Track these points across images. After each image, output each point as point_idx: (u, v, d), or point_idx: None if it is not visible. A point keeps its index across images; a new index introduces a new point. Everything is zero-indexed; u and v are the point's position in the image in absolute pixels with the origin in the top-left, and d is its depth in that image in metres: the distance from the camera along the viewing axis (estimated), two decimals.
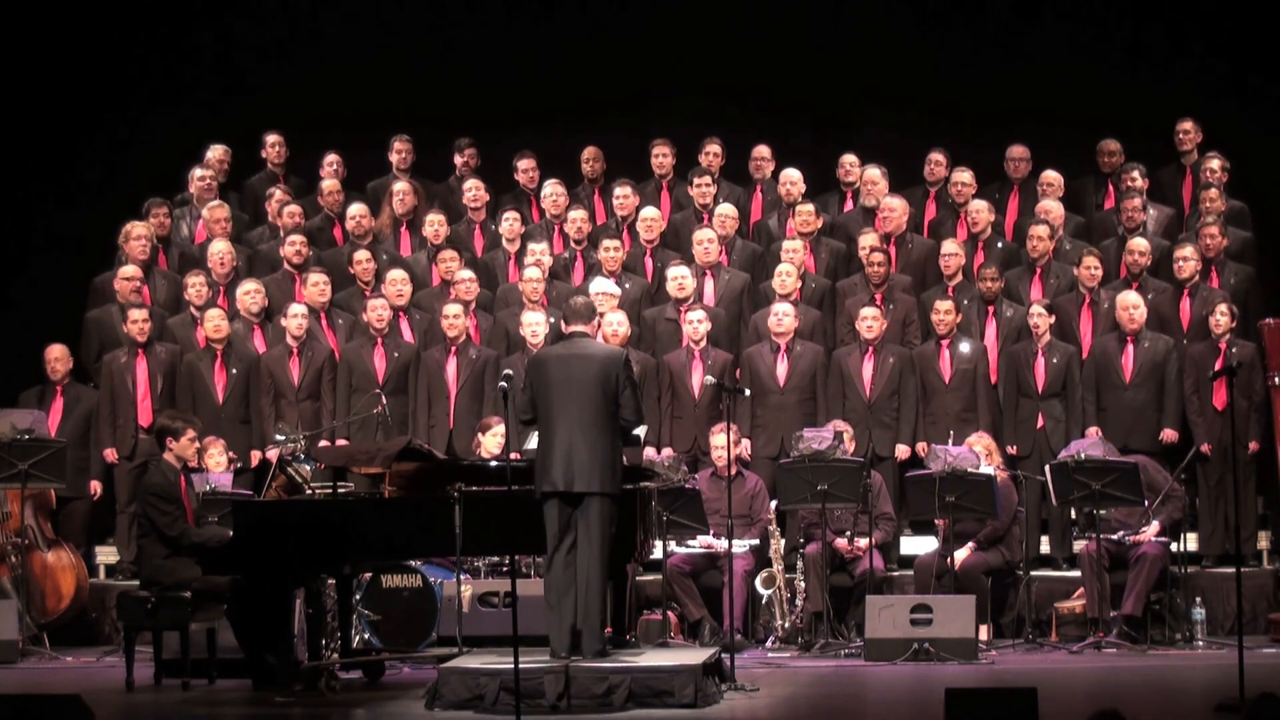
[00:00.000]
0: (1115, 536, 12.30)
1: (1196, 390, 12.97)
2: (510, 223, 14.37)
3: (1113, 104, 15.12)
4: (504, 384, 10.37)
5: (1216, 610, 12.59)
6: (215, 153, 15.19)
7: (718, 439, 12.66)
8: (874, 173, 14.43)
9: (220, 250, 14.19)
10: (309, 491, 11.32)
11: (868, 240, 13.89)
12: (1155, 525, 12.31)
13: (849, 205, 14.77)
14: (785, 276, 13.54)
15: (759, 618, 12.64)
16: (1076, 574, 12.58)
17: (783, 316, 13.29)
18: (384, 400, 12.91)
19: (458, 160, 15.19)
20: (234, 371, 13.58)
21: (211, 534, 11.38)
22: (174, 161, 15.29)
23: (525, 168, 14.99)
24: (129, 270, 14.00)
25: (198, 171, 15.04)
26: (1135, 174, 14.33)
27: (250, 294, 13.83)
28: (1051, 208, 14.10)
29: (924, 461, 12.79)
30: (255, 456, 13.46)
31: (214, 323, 13.54)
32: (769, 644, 12.40)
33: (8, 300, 15.28)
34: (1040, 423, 13.14)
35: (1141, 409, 13.02)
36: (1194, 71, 15.16)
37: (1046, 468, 12.35)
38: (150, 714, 10.51)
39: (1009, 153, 14.68)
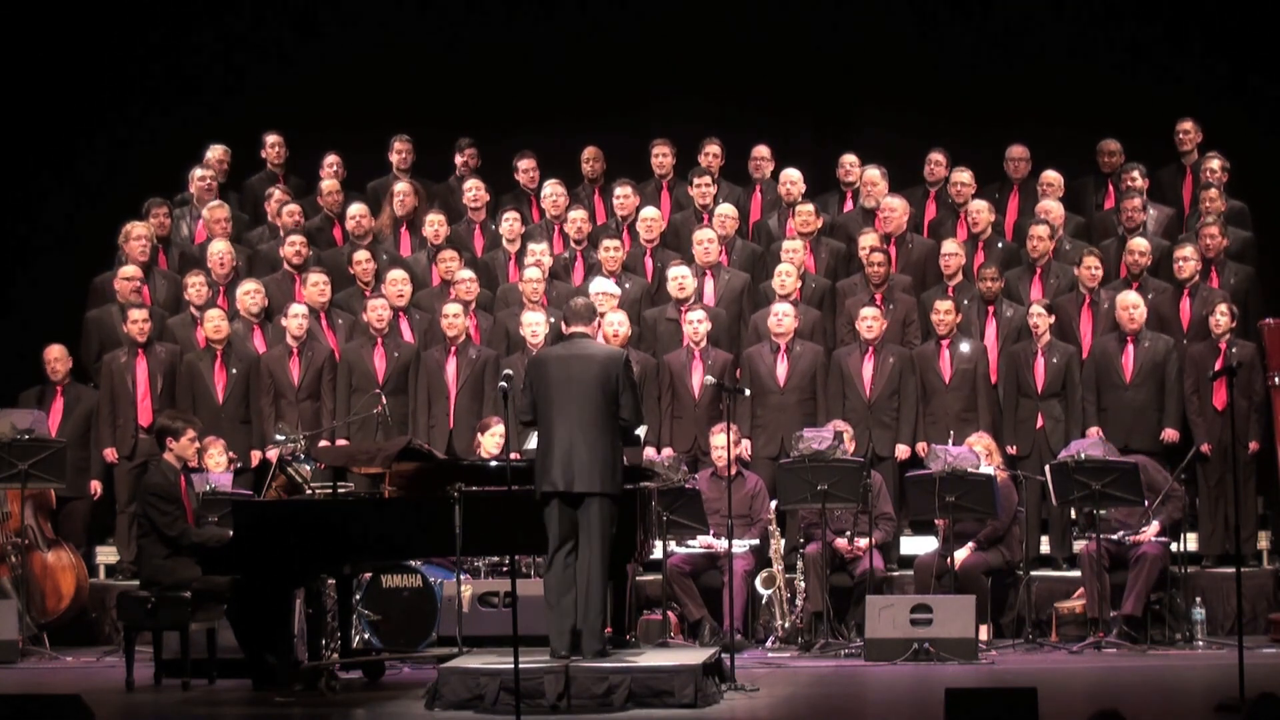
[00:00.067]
0: (1115, 536, 12.30)
1: (1196, 390, 12.97)
2: (510, 223, 14.37)
3: (1113, 104, 15.12)
4: (504, 384, 10.37)
5: (1216, 610, 12.59)
6: (215, 153, 15.20)
7: (718, 439, 12.66)
8: (874, 173, 14.43)
9: (220, 250, 14.20)
10: (309, 491, 11.32)
11: (868, 240, 13.89)
12: (1155, 525, 12.31)
13: (849, 205, 14.77)
14: (785, 276, 13.54)
15: (759, 618, 12.64)
16: (1076, 574, 12.58)
17: (783, 317, 13.29)
18: (384, 400, 12.91)
19: (458, 160, 15.20)
20: (234, 371, 13.58)
21: (211, 534, 11.38)
22: (174, 161, 15.29)
23: (525, 168, 14.99)
24: (129, 270, 14.00)
25: (198, 171, 15.04)
26: (1135, 174, 14.33)
27: (250, 294, 13.83)
28: (1051, 208, 14.10)
29: (924, 461, 12.79)
30: (255, 456, 13.46)
31: (214, 323, 13.54)
32: (769, 644, 12.40)
33: (8, 300, 15.29)
34: (1040, 423, 13.14)
35: (1141, 409, 13.02)
36: (1194, 71, 15.16)
37: (1046, 468, 12.35)
38: (150, 714, 10.51)
39: (1009, 153, 14.68)
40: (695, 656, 10.37)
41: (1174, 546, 12.38)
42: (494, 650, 10.77)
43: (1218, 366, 12.55)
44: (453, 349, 13.50)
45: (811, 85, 15.63)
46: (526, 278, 13.68)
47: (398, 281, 13.78)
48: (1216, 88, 15.03)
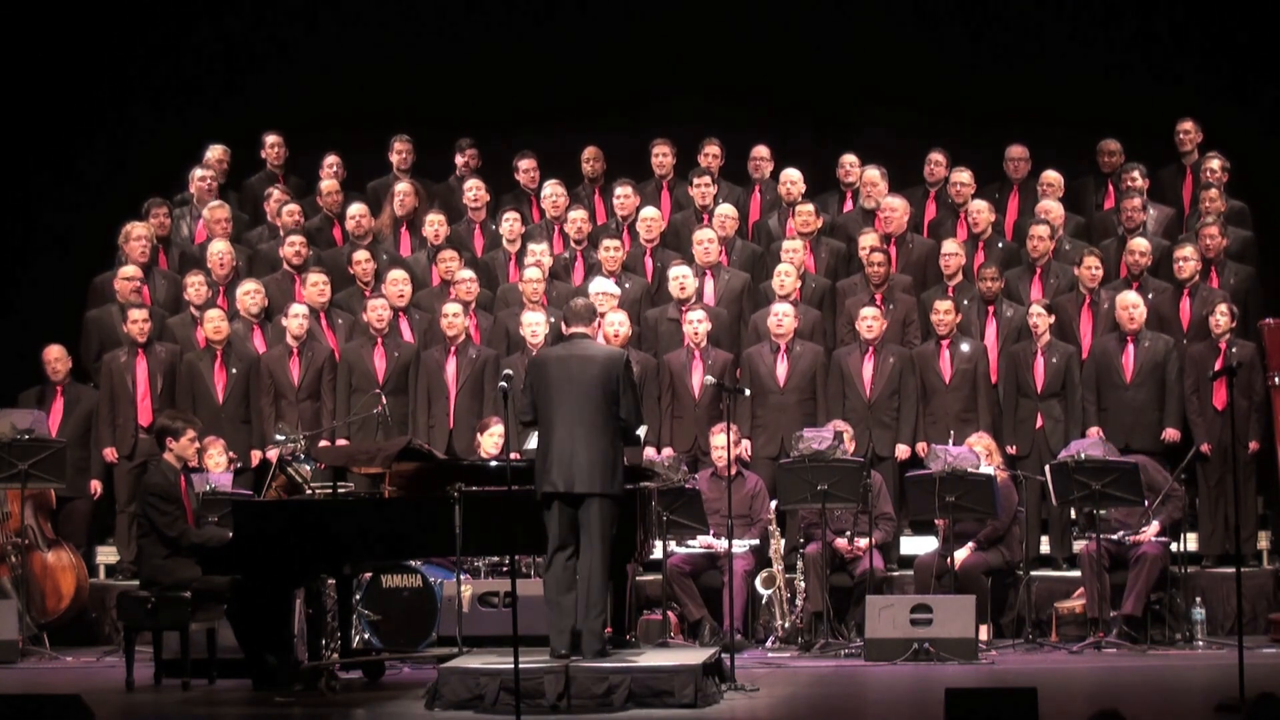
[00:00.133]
0: (1115, 536, 12.30)
1: (1196, 390, 12.97)
2: (510, 223, 14.37)
3: (1113, 104, 15.12)
4: (504, 384, 10.37)
5: (1216, 610, 12.59)
6: (215, 153, 15.19)
7: (718, 439, 12.66)
8: (873, 174, 14.42)
9: (220, 250, 14.20)
10: (309, 491, 11.32)
11: (868, 240, 13.89)
12: (1155, 525, 12.31)
13: (849, 205, 14.77)
14: (784, 276, 13.54)
15: (759, 618, 12.64)
16: (1076, 574, 12.58)
17: (782, 317, 13.28)
18: (384, 400, 12.92)
19: (458, 160, 15.20)
20: (234, 371, 13.58)
21: (211, 534, 11.38)
22: (174, 161, 15.29)
23: (526, 168, 14.99)
24: (129, 270, 14.00)
25: (198, 171, 15.04)
26: (1135, 174, 14.33)
27: (250, 294, 13.83)
28: (1051, 208, 14.10)
29: (924, 461, 12.79)
30: (255, 456, 13.46)
31: (214, 323, 13.54)
32: (769, 644, 12.40)
33: (8, 300, 15.29)
34: (1040, 423, 13.14)
35: (1142, 409, 13.02)
36: (1194, 71, 15.16)
37: (1046, 468, 12.35)
38: (150, 714, 10.51)
39: (1008, 153, 14.68)
40: (695, 656, 10.37)
41: (1174, 546, 12.38)
42: (494, 650, 10.77)
43: (1218, 366, 12.55)
44: (452, 349, 13.50)
45: (811, 85, 15.63)
46: (526, 278, 13.68)
47: (398, 281, 13.78)
48: (1216, 88, 15.03)
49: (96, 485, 13.62)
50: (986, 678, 11.06)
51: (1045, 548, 13.24)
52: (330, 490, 11.23)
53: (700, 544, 12.63)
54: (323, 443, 12.83)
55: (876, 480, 12.65)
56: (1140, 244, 13.50)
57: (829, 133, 15.65)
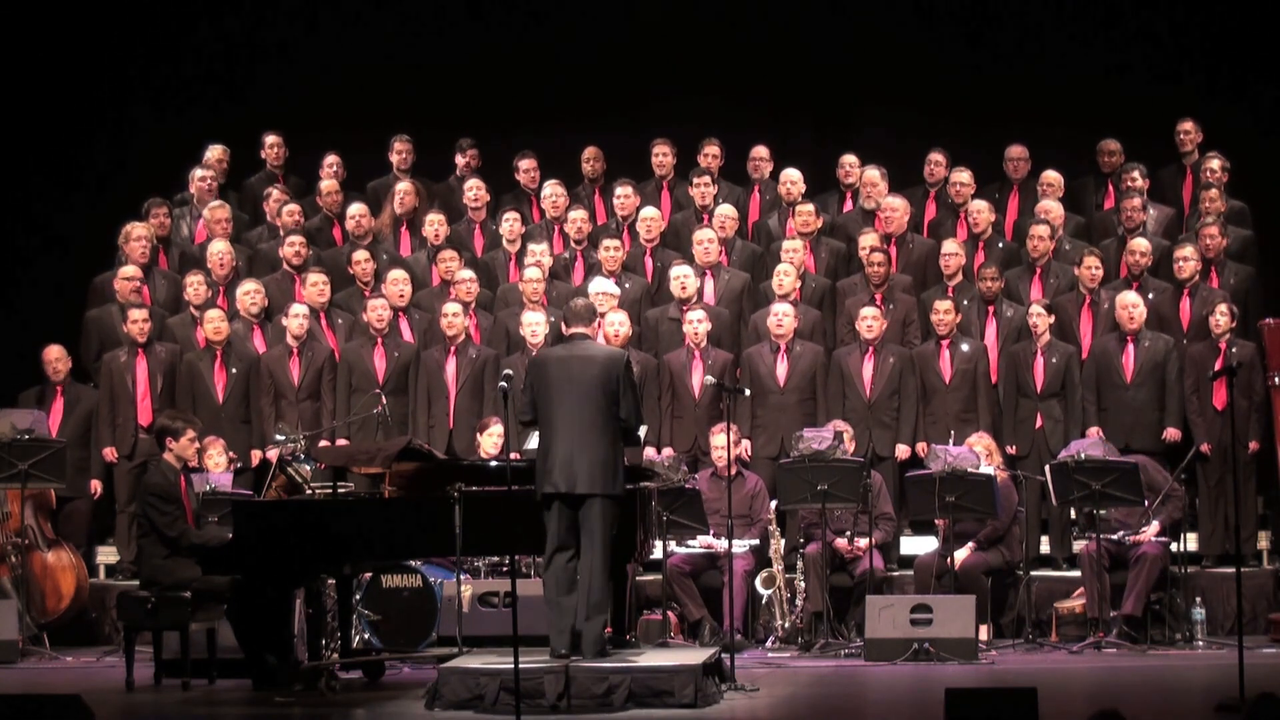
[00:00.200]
0: (1115, 536, 12.30)
1: (1196, 390, 12.97)
2: (510, 223, 14.37)
3: (1113, 104, 15.12)
4: (504, 384, 10.38)
5: (1216, 610, 12.59)
6: (214, 153, 15.19)
7: (718, 439, 12.66)
8: (873, 174, 14.42)
9: (220, 250, 14.20)
10: (309, 491, 11.32)
11: (868, 240, 13.89)
12: (1155, 525, 12.31)
13: (849, 205, 14.77)
14: (784, 276, 13.54)
15: (759, 618, 12.64)
16: (1076, 574, 12.58)
17: (782, 317, 13.28)
18: (384, 400, 12.92)
19: (459, 160, 15.20)
20: (234, 371, 13.58)
21: (211, 534, 11.39)
22: (174, 161, 15.30)
23: (526, 168, 14.99)
24: (129, 270, 14.01)
25: (198, 171, 15.04)
26: (1135, 174, 14.33)
27: (250, 294, 13.83)
28: (1051, 208, 14.10)
29: (924, 461, 12.79)
30: (255, 456, 13.46)
31: (214, 324, 13.54)
32: (769, 644, 12.40)
33: (8, 300, 15.29)
34: (1039, 423, 13.14)
35: (1142, 409, 13.02)
36: (1194, 71, 15.16)
37: (1046, 468, 12.35)
38: (150, 714, 10.50)
39: (1008, 153, 14.68)
40: (695, 656, 10.37)
41: (1174, 546, 12.38)
42: (494, 650, 10.77)
43: (1218, 366, 12.55)
44: (452, 349, 13.50)
45: (811, 85, 15.63)
46: (526, 278, 13.69)
47: (398, 281, 13.78)
48: (1216, 88, 15.03)
49: (97, 485, 13.62)
50: (986, 678, 11.06)
51: (1045, 548, 13.24)
52: (330, 490, 11.23)
53: (700, 544, 12.63)
54: (323, 443, 12.83)
55: (876, 480, 12.65)
56: (1140, 244, 13.50)
57: (829, 133, 15.65)
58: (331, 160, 15.10)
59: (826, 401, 13.29)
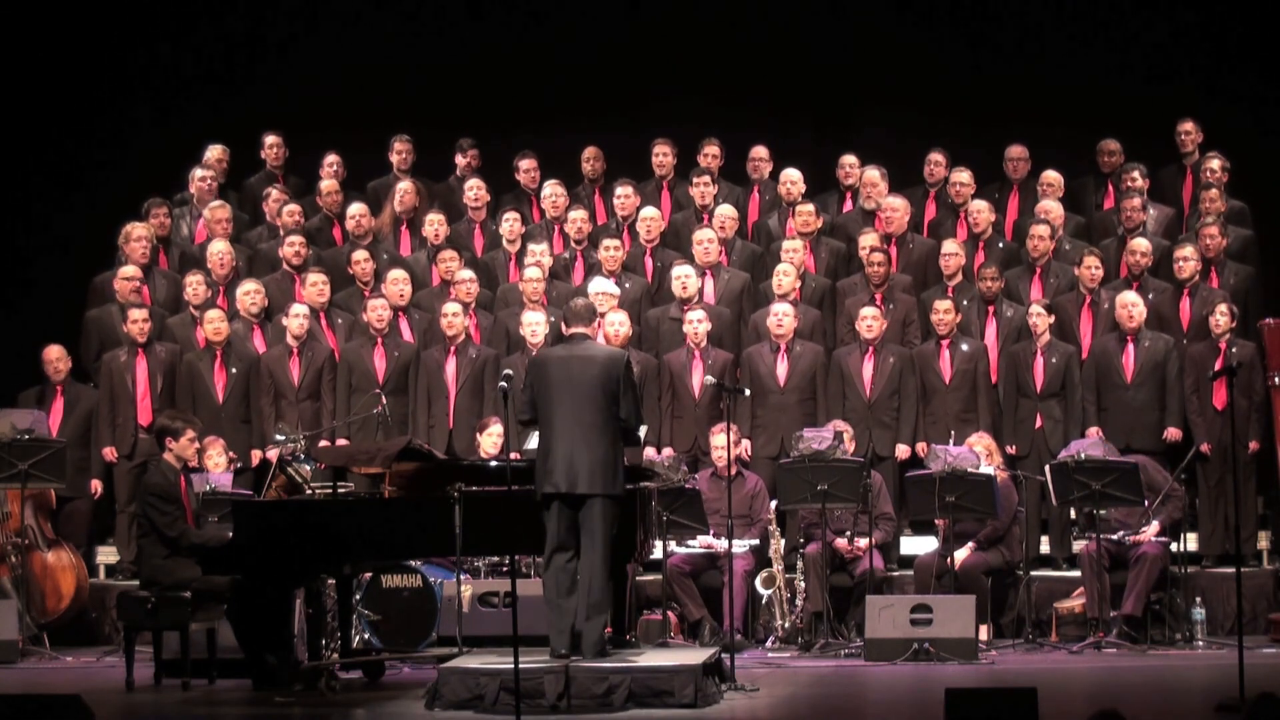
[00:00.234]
0: (1115, 536, 12.30)
1: (1196, 390, 12.97)
2: (510, 223, 14.37)
3: (1113, 104, 15.12)
4: (504, 384, 10.38)
5: (1216, 610, 12.59)
6: (214, 153, 15.19)
7: (718, 439, 12.66)
8: (873, 174, 14.42)
9: (220, 250, 14.20)
10: (309, 491, 11.32)
11: (868, 240, 13.89)
12: (1155, 525, 12.31)
13: (848, 205, 14.77)
14: (784, 276, 13.54)
15: (759, 618, 12.64)
16: (1076, 574, 12.58)
17: (782, 317, 13.28)
18: (384, 400, 12.92)
19: (459, 161, 15.19)
20: (234, 371, 13.58)
21: (211, 534, 11.38)
22: (174, 161, 15.29)
23: (526, 168, 14.99)
24: (129, 270, 14.01)
25: (198, 172, 15.04)
26: (1135, 174, 14.33)
27: (250, 294, 13.83)
28: (1051, 208, 14.10)
29: (924, 461, 12.79)
30: (255, 456, 13.46)
31: (214, 325, 13.53)
32: (769, 644, 12.40)
33: (8, 300, 15.28)
34: (1039, 423, 13.13)
35: (1142, 409, 13.02)
36: (1194, 71, 15.16)
37: (1046, 468, 12.35)
38: (150, 714, 10.50)
39: (1008, 153, 14.68)
40: (695, 656, 10.37)
41: (1174, 546, 12.38)
42: (494, 650, 10.77)
43: (1218, 366, 12.55)
44: (452, 349, 13.50)
45: (811, 85, 15.63)
46: (527, 278, 13.68)
47: (398, 281, 13.78)
48: (1216, 88, 15.03)
49: (97, 485, 13.62)
50: (986, 678, 11.06)
51: (1045, 548, 13.24)
52: (330, 490, 11.22)
53: (700, 544, 12.63)
54: (323, 443, 12.83)
55: (876, 480, 12.65)
56: (1140, 244, 13.50)
57: (829, 133, 15.65)
58: (331, 160, 15.10)
59: (826, 401, 13.29)
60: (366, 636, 11.74)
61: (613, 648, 10.45)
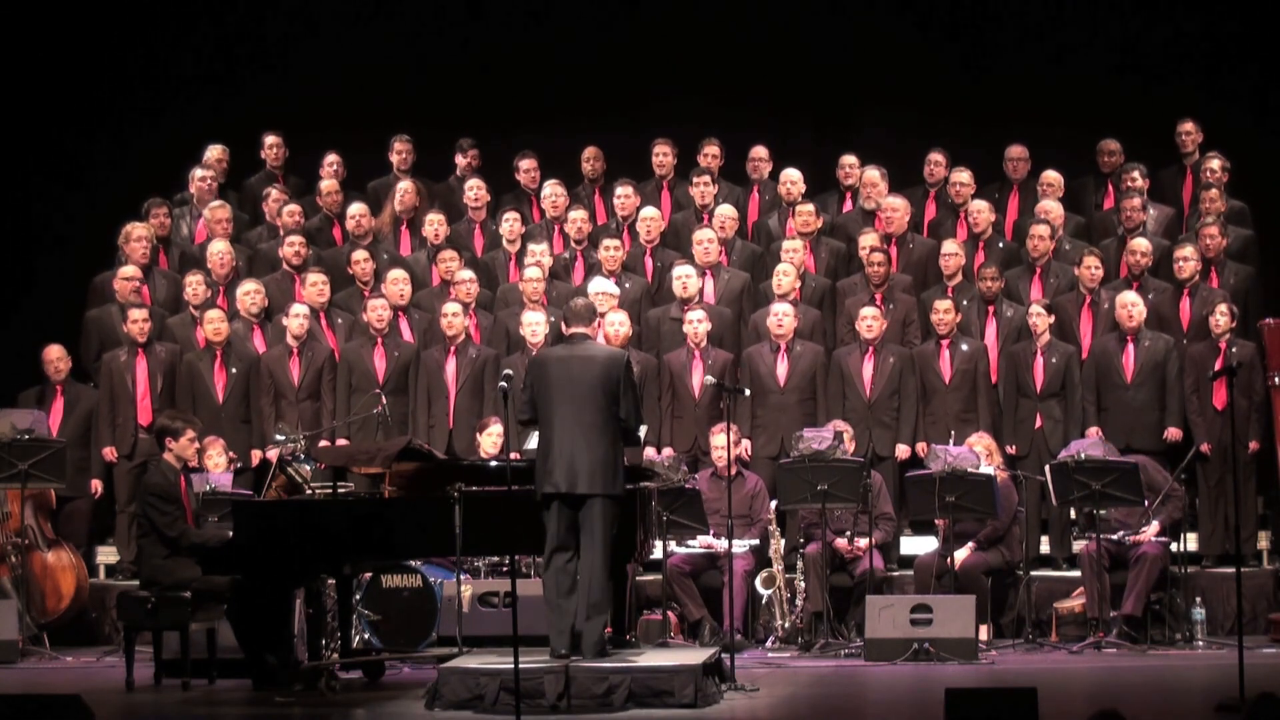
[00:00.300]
0: (1115, 536, 12.30)
1: (1196, 390, 12.97)
2: (510, 223, 14.37)
3: (1113, 104, 15.12)
4: (504, 384, 10.38)
5: (1216, 610, 12.59)
6: (214, 153, 15.19)
7: (718, 439, 12.66)
8: (873, 174, 14.42)
9: (220, 250, 14.20)
10: (309, 491, 11.32)
11: (868, 240, 13.89)
12: (1155, 525, 12.31)
13: (848, 205, 14.77)
14: (783, 276, 13.54)
15: (759, 618, 12.64)
16: (1076, 574, 12.58)
17: (782, 317, 13.28)
18: (384, 400, 12.92)
19: (460, 161, 15.19)
20: (234, 371, 13.58)
21: (211, 534, 11.38)
22: (174, 161, 15.29)
23: (527, 168, 14.99)
24: (128, 270, 14.01)
25: (198, 172, 15.04)
26: (1135, 174, 14.33)
27: (250, 294, 13.83)
28: (1051, 208, 14.10)
29: (924, 461, 12.79)
30: (255, 456, 13.46)
31: (214, 324, 13.53)
32: (769, 644, 12.40)
33: (8, 300, 15.28)
34: (1039, 423, 13.13)
35: (1142, 409, 13.02)
36: (1194, 71, 15.16)
37: (1046, 468, 12.35)
38: (150, 714, 10.51)
39: (1008, 153, 14.68)
40: (695, 656, 10.37)
41: (1174, 546, 12.38)
42: (494, 650, 10.77)
43: (1218, 366, 12.55)
44: (452, 349, 13.50)
45: (811, 85, 15.63)
46: (527, 277, 13.68)
47: (398, 281, 13.78)
48: (1216, 88, 15.03)
49: (98, 485, 13.62)
50: (986, 678, 11.06)
51: (1045, 548, 13.24)
52: (330, 490, 11.22)
53: (700, 544, 12.63)
54: (323, 443, 12.83)
55: (876, 480, 12.65)
56: (1141, 244, 13.50)
57: (829, 133, 15.65)
58: (332, 160, 15.10)
59: (826, 401, 13.29)
60: (366, 636, 11.74)
61: (613, 648, 10.45)
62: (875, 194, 14.36)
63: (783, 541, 12.68)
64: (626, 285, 13.86)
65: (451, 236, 14.46)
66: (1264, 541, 13.33)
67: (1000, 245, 14.16)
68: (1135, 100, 15.09)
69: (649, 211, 14.33)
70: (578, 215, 14.38)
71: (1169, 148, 14.60)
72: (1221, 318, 12.95)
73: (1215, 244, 13.54)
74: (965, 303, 13.53)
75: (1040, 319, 13.14)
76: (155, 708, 10.63)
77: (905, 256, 14.15)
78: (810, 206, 14.26)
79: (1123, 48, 15.46)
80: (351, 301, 14.11)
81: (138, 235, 14.22)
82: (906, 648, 11.68)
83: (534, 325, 13.24)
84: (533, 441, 11.03)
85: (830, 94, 15.66)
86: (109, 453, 13.58)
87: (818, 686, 11.09)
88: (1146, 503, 12.19)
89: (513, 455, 12.05)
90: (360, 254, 14.14)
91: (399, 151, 15.08)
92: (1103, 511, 12.24)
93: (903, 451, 13.21)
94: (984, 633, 12.06)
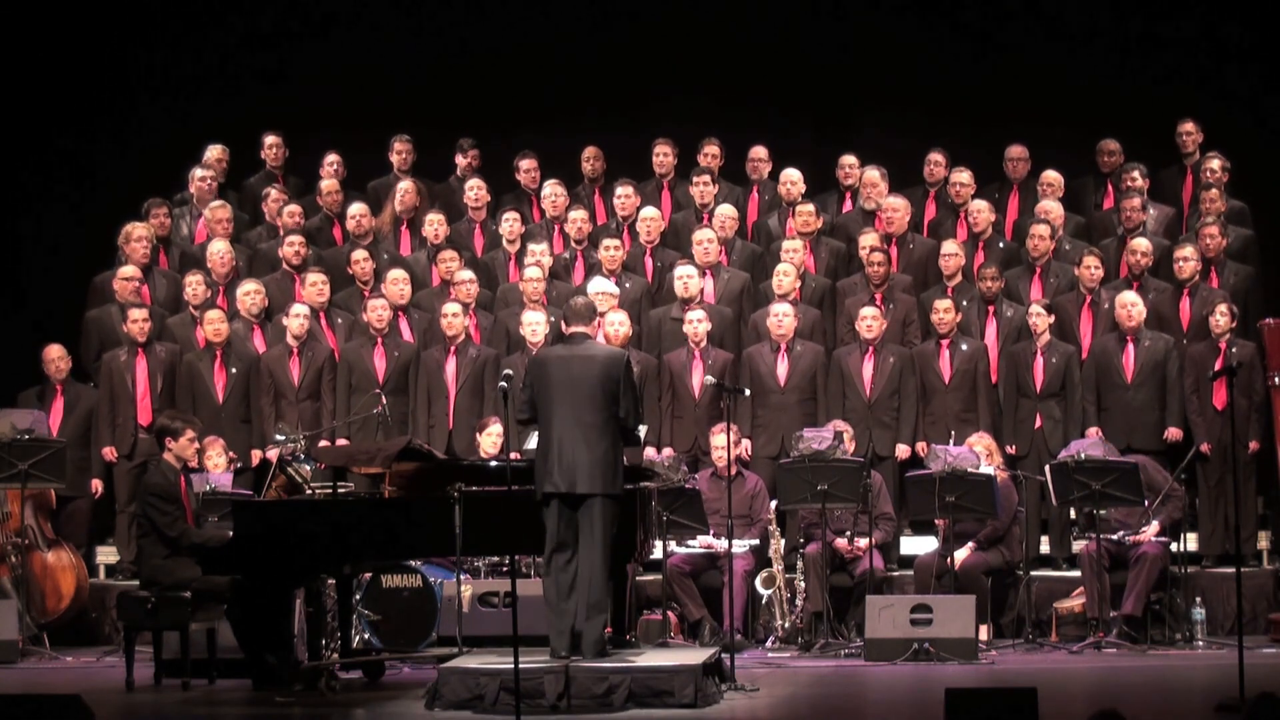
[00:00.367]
0: (1115, 536, 12.30)
1: (1196, 390, 12.97)
2: (510, 223, 14.37)
3: (1113, 104, 15.12)
4: (504, 384, 10.38)
5: (1216, 610, 12.59)
6: (214, 153, 15.19)
7: (718, 439, 12.66)
8: (873, 174, 14.42)
9: (220, 250, 14.20)
10: (309, 491, 11.32)
11: (868, 240, 13.89)
12: (1155, 525, 12.31)
13: (848, 205, 14.77)
14: (784, 276, 13.54)
15: (759, 618, 12.64)
16: (1076, 574, 12.58)
17: (782, 317, 13.28)
18: (384, 400, 12.92)
19: (460, 161, 15.19)
20: (234, 371, 13.58)
21: (211, 534, 11.38)
22: (174, 161, 15.29)
23: (527, 168, 14.99)
24: (128, 270, 14.01)
25: (198, 172, 15.03)
26: (1135, 174, 14.33)
27: (250, 294, 13.83)
28: (1051, 208, 14.10)
29: (924, 461, 12.79)
30: (255, 456, 13.46)
31: (214, 324, 13.53)
32: (769, 644, 12.40)
33: (8, 300, 15.28)
34: (1039, 423, 13.13)
35: (1142, 409, 13.02)
36: (1194, 71, 15.16)
37: (1046, 468, 12.35)
38: (150, 714, 10.50)
39: (1008, 153, 14.68)
40: (695, 656, 10.37)
41: (1174, 546, 12.38)
42: (494, 650, 10.77)
43: (1218, 366, 12.55)
44: (452, 349, 13.50)
45: (811, 85, 15.63)
46: (527, 277, 13.68)
47: (398, 281, 13.78)
48: (1216, 88, 15.03)
49: (98, 485, 13.62)
50: (986, 678, 11.06)
51: (1045, 548, 13.24)
52: (330, 490, 11.22)
53: (700, 544, 12.63)
54: (323, 443, 12.83)
55: (876, 480, 12.65)
56: (1141, 244, 13.50)
57: (829, 133, 15.65)
58: (332, 160, 15.10)
59: (826, 401, 13.29)
60: (366, 636, 11.74)
61: (613, 648, 10.45)
62: (875, 194, 14.36)
63: (783, 541, 12.68)
64: (626, 285, 13.86)
65: (451, 236, 14.46)
66: (1264, 541, 13.33)
67: (1000, 245, 14.16)
68: (1135, 100, 15.10)
69: (649, 211, 14.33)
70: (578, 215, 14.38)
71: (1169, 148, 14.60)
72: (1221, 318, 12.95)
73: (1215, 244, 13.54)
74: (965, 303, 13.53)
75: (1040, 319, 13.14)
76: (155, 708, 10.63)
77: (905, 256, 14.16)
78: (810, 206, 14.26)
79: (1123, 48, 15.46)
80: (351, 301, 14.11)
81: (138, 235, 14.22)
82: (906, 648, 11.68)
83: (534, 325, 13.24)
84: (532, 441, 11.03)
85: (830, 94, 15.66)
86: (109, 453, 13.58)
87: (818, 686, 11.09)
88: (1146, 503, 12.19)
89: (513, 455, 12.05)
90: (360, 254, 14.15)
91: (399, 151, 15.08)
92: (1103, 511, 12.24)
93: (903, 451, 13.21)
94: (984, 633, 12.06)
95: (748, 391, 12.69)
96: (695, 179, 14.58)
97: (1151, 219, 14.15)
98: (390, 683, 11.20)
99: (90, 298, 14.35)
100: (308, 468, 11.52)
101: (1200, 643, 12.13)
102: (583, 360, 10.42)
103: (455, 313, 13.45)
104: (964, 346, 13.30)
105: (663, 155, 14.91)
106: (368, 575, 11.83)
